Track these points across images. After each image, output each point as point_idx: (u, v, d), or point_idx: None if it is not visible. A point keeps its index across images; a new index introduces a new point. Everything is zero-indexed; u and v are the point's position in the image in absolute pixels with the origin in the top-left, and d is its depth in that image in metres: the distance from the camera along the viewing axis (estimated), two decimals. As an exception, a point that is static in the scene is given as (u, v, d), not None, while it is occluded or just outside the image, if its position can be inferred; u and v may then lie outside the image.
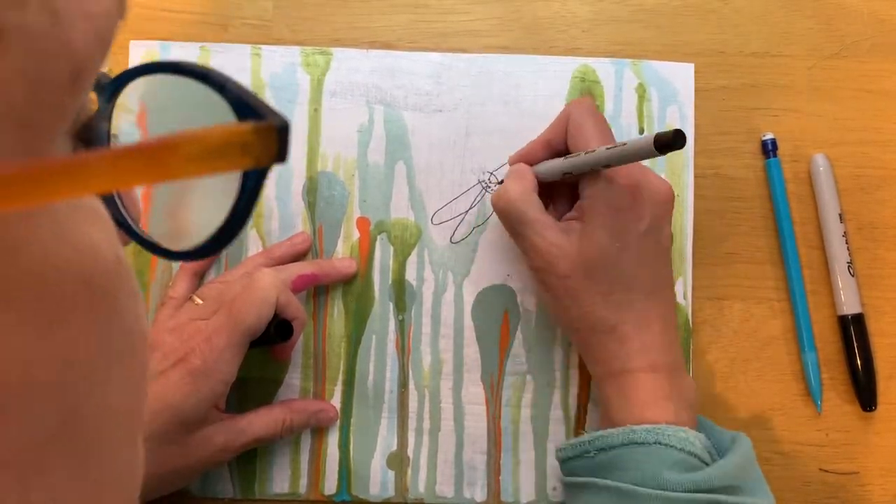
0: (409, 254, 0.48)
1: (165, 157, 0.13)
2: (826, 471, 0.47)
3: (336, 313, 0.48)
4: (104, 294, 0.16)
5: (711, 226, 0.49)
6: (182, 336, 0.41)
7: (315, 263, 0.47)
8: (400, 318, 0.48)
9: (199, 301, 0.44)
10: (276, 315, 0.42)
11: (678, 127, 0.44)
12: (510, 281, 0.48)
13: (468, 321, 0.48)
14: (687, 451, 0.38)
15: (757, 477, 0.40)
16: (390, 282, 0.48)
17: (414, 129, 0.48)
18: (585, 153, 0.40)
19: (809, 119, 0.49)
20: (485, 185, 0.48)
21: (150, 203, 0.23)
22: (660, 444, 0.38)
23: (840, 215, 0.48)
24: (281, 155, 0.15)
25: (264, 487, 0.46)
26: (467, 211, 0.48)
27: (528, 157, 0.45)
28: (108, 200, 0.20)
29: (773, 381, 0.48)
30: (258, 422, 0.44)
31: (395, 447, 0.47)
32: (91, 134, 0.20)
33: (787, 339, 0.48)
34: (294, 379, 0.47)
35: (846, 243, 0.48)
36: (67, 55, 0.14)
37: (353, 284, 0.48)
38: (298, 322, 0.43)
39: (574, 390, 0.47)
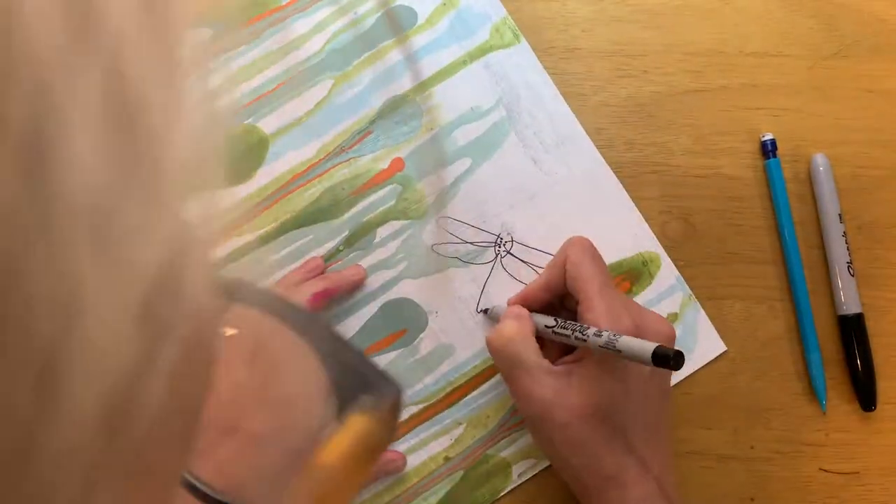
0: (399, 219, 0.48)
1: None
2: (826, 471, 0.47)
3: (309, 192, 0.47)
4: None
5: (712, 226, 0.49)
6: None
7: (325, 278, 0.46)
8: (340, 248, 0.47)
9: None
10: None
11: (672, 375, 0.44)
12: (433, 318, 0.47)
13: (375, 305, 0.47)
14: None
15: None
16: (364, 219, 0.47)
17: (505, 152, 0.48)
18: (580, 331, 0.39)
19: (809, 119, 0.49)
20: (498, 244, 0.48)
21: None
22: None
23: (840, 215, 0.48)
24: (393, 435, 0.14)
25: None
26: (466, 242, 0.48)
27: (527, 301, 0.44)
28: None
29: (773, 380, 0.48)
30: None
31: None
32: None
33: (788, 339, 0.48)
34: (229, 198, 0.47)
35: (846, 243, 0.48)
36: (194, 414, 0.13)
37: (343, 190, 0.47)
38: None
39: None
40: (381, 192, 0.48)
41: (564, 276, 0.42)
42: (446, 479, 0.47)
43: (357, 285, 0.47)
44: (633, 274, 0.48)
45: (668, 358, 0.35)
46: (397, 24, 0.48)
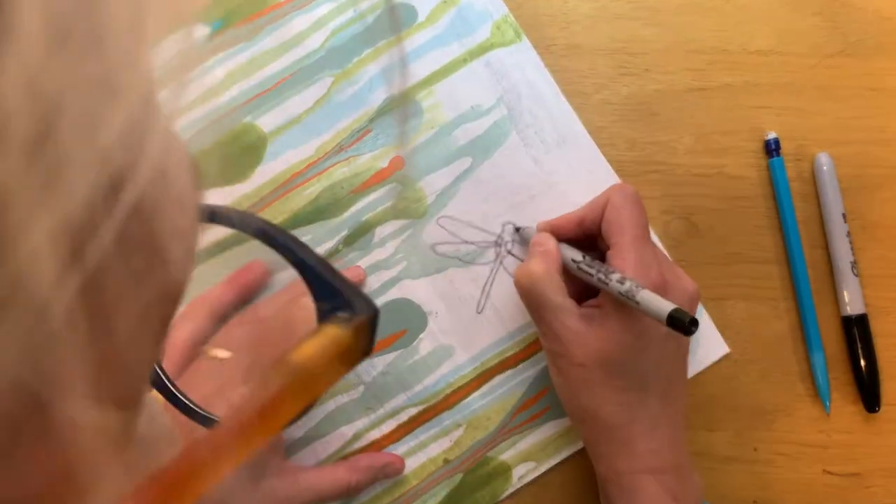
0: (399, 218, 0.47)
1: (277, 409, 0.12)
2: (830, 472, 0.47)
3: (308, 192, 0.47)
4: None
5: (714, 225, 0.48)
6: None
7: None
8: (339, 247, 0.47)
9: (221, 354, 0.42)
10: None
11: None
12: (433, 318, 0.47)
13: (382, 301, 0.47)
14: None
15: None
16: (363, 218, 0.47)
17: (505, 150, 0.47)
18: (605, 269, 0.40)
19: (813, 118, 0.49)
20: (498, 243, 0.47)
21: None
22: None
23: (843, 215, 0.48)
24: (367, 350, 0.14)
25: None
26: (467, 242, 0.47)
27: (557, 231, 0.44)
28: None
29: (776, 381, 0.47)
30: (323, 481, 0.43)
31: None
32: None
33: (791, 340, 0.48)
34: (230, 196, 0.47)
35: (850, 243, 0.47)
36: (169, 298, 0.13)
37: (342, 189, 0.47)
38: None
39: (375, 435, 0.46)
40: (378, 193, 0.47)
41: (602, 217, 0.42)
42: (445, 481, 0.46)
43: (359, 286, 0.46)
44: None
45: (683, 322, 0.35)
46: (398, 21, 0.48)
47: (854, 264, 0.47)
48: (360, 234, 0.47)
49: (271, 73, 0.47)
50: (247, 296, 0.45)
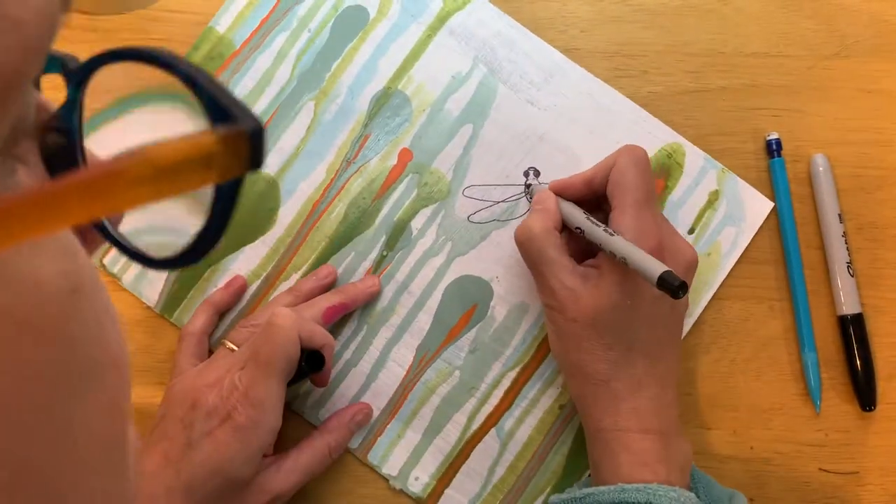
0: (427, 206, 0.48)
1: (110, 186, 0.12)
2: (826, 471, 0.47)
3: (334, 214, 0.48)
4: (49, 331, 0.15)
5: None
6: (221, 393, 0.40)
7: (340, 291, 0.46)
8: (384, 253, 0.48)
9: (233, 347, 0.43)
10: (303, 349, 0.42)
11: (723, 251, 0.47)
12: (495, 283, 0.48)
13: (438, 294, 0.47)
14: None
15: None
16: (395, 218, 0.48)
17: (499, 105, 0.49)
18: (603, 229, 0.40)
19: (809, 119, 0.49)
20: (528, 193, 0.48)
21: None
22: (650, 503, 0.38)
23: (840, 215, 0.48)
24: (254, 162, 0.14)
25: (183, 317, 0.47)
26: (499, 202, 0.48)
27: (565, 190, 0.45)
28: None
29: (772, 381, 0.48)
30: (303, 457, 0.43)
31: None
32: (61, 125, 0.19)
33: (787, 339, 0.48)
34: (266, 245, 0.47)
35: (846, 243, 0.48)
36: None
37: (364, 199, 0.48)
38: (327, 348, 0.43)
39: (488, 409, 0.47)
40: (400, 188, 0.48)
41: (609, 177, 0.42)
42: (568, 426, 0.47)
43: (373, 297, 0.47)
44: (664, 170, 0.48)
45: (672, 285, 0.35)
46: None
47: (850, 264, 0.48)
48: (398, 234, 0.48)
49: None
50: (239, 297, 0.48)
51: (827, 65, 0.50)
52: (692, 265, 0.42)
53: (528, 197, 0.48)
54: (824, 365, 0.48)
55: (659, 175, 0.48)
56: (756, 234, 0.48)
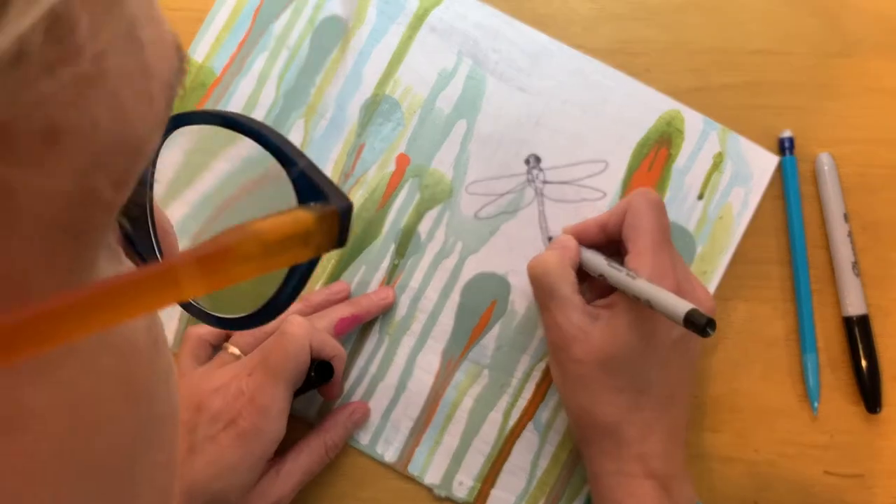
0: (432, 208, 0.48)
1: (220, 263, 0.12)
2: (831, 473, 0.47)
3: None
4: (139, 388, 0.15)
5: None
6: (227, 398, 0.40)
7: (353, 303, 0.46)
8: (395, 262, 0.47)
9: (235, 352, 0.43)
10: (313, 359, 0.41)
11: (735, 212, 0.46)
12: (512, 277, 0.47)
13: (455, 294, 0.47)
14: None
15: None
16: (402, 225, 0.47)
17: (490, 96, 0.48)
18: (626, 273, 0.40)
19: (814, 117, 0.49)
20: (530, 179, 0.48)
21: None
22: None
23: (845, 215, 0.47)
24: (341, 241, 0.14)
25: None
26: (503, 194, 0.48)
27: (581, 235, 0.44)
28: (145, 245, 0.19)
29: (777, 382, 0.47)
30: (300, 459, 0.43)
31: None
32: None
33: (792, 340, 0.47)
34: None
35: (851, 243, 0.47)
36: (128, 147, 0.13)
37: (368, 211, 0.47)
38: (338, 359, 0.43)
39: (522, 403, 0.47)
40: (402, 193, 0.47)
41: (623, 222, 0.42)
42: None
43: (386, 308, 0.47)
44: (664, 138, 0.48)
45: (700, 323, 0.34)
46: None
47: (855, 265, 0.47)
48: (407, 241, 0.47)
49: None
50: None
51: (831, 62, 0.49)
52: (712, 310, 0.41)
53: (531, 184, 0.47)
54: (829, 366, 0.47)
55: (661, 144, 0.48)
56: (757, 236, 0.48)
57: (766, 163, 0.48)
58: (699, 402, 0.47)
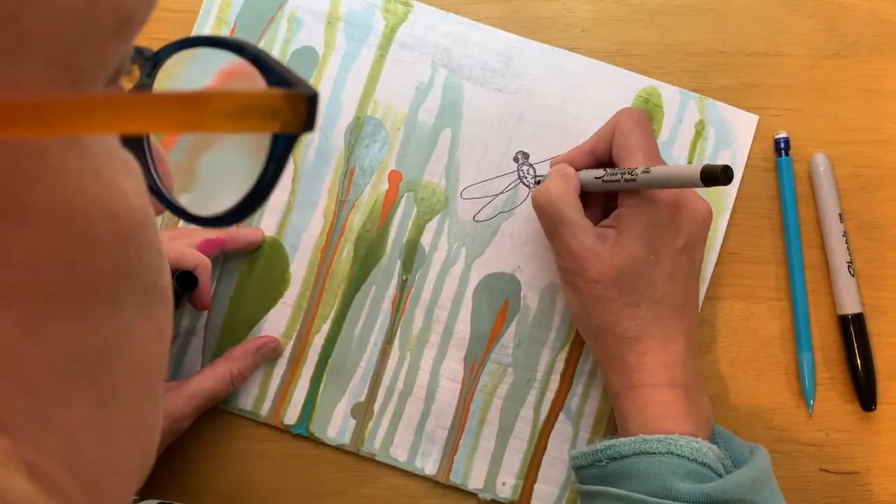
0: (431, 219, 0.48)
1: (198, 108, 0.14)
2: (826, 470, 0.47)
3: (345, 255, 0.48)
4: (129, 237, 0.17)
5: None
6: None
7: (224, 231, 0.47)
8: (404, 277, 0.48)
9: None
10: (174, 272, 0.42)
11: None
12: (519, 273, 0.48)
13: (468, 300, 0.48)
14: (699, 462, 0.38)
15: (773, 490, 0.40)
16: (404, 240, 0.48)
17: (470, 101, 0.49)
18: (628, 173, 0.40)
19: (810, 118, 0.49)
20: (522, 175, 0.48)
21: (177, 169, 0.23)
22: (672, 454, 0.38)
23: (840, 215, 0.48)
24: (309, 123, 0.16)
25: (229, 398, 0.47)
26: (498, 194, 0.48)
27: (570, 163, 0.44)
28: (143, 166, 0.21)
29: (773, 380, 0.48)
30: (205, 382, 0.44)
31: (363, 398, 0.47)
32: None
33: (787, 339, 0.48)
34: (287, 304, 0.48)
35: (846, 243, 0.48)
36: (116, 3, 0.15)
37: (368, 232, 0.48)
38: (201, 268, 0.43)
39: (550, 395, 0.47)
40: (400, 210, 0.48)
41: (611, 143, 0.42)
42: None
43: (253, 245, 0.48)
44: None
45: (716, 173, 0.35)
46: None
47: (850, 264, 0.47)
48: (412, 255, 0.48)
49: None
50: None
51: (827, 64, 0.50)
52: (708, 218, 0.42)
53: (523, 180, 0.48)
54: (825, 365, 0.48)
55: None
56: (752, 236, 0.48)
57: (746, 122, 0.49)
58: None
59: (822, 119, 0.49)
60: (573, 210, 0.42)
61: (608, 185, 0.42)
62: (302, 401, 0.47)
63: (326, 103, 0.48)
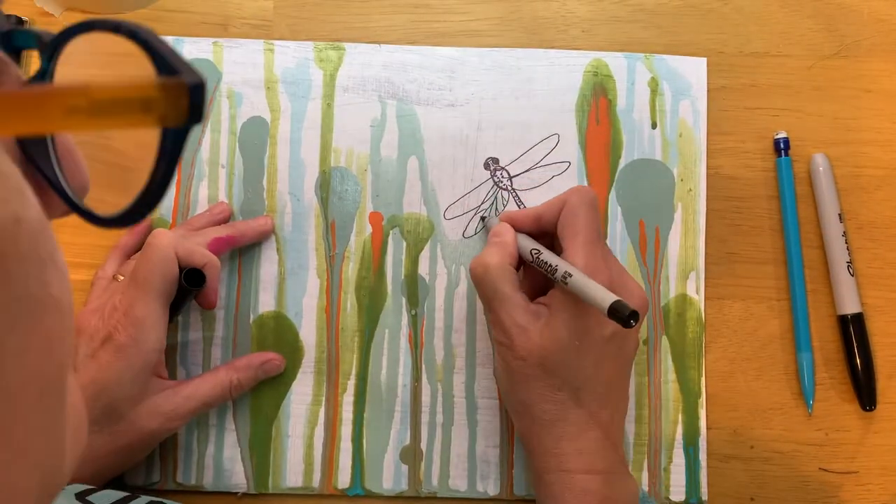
0: (422, 248, 0.48)
1: (42, 107, 0.12)
2: (826, 470, 0.47)
3: (349, 308, 0.48)
4: None
5: (711, 225, 0.49)
6: (103, 315, 0.41)
7: (231, 226, 0.47)
8: (413, 312, 0.48)
9: (120, 278, 0.44)
10: (182, 268, 0.42)
11: (690, 123, 0.47)
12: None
13: (481, 315, 0.48)
14: None
15: None
16: (403, 276, 0.48)
17: (426, 124, 0.49)
18: (552, 268, 0.40)
19: (809, 119, 0.49)
20: (497, 181, 0.48)
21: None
22: None
23: (840, 215, 0.48)
24: (193, 115, 0.14)
25: (278, 481, 0.46)
26: (480, 206, 0.48)
27: (515, 224, 0.44)
28: (45, 163, 0.20)
29: (772, 380, 0.48)
30: (204, 386, 0.44)
31: (408, 441, 0.47)
32: None
33: (787, 339, 0.48)
34: (307, 372, 0.47)
35: (846, 243, 0.48)
36: None
37: (366, 279, 0.48)
38: (210, 266, 0.43)
39: None
40: (390, 249, 0.48)
41: (558, 217, 0.42)
42: (660, 354, 0.48)
43: (265, 235, 0.47)
44: (598, 89, 0.49)
45: (623, 314, 0.35)
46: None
47: (850, 264, 0.48)
48: (414, 289, 0.48)
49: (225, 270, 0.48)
50: (144, 236, 0.47)
51: (827, 64, 0.50)
52: (642, 305, 0.41)
53: (500, 184, 0.48)
54: (824, 364, 0.48)
55: (597, 95, 0.49)
56: (752, 236, 0.48)
57: (697, 68, 0.49)
58: (699, 400, 0.48)
59: (822, 119, 0.49)
60: (506, 284, 0.41)
61: (540, 267, 0.42)
62: (350, 462, 0.47)
63: (289, 166, 0.48)
